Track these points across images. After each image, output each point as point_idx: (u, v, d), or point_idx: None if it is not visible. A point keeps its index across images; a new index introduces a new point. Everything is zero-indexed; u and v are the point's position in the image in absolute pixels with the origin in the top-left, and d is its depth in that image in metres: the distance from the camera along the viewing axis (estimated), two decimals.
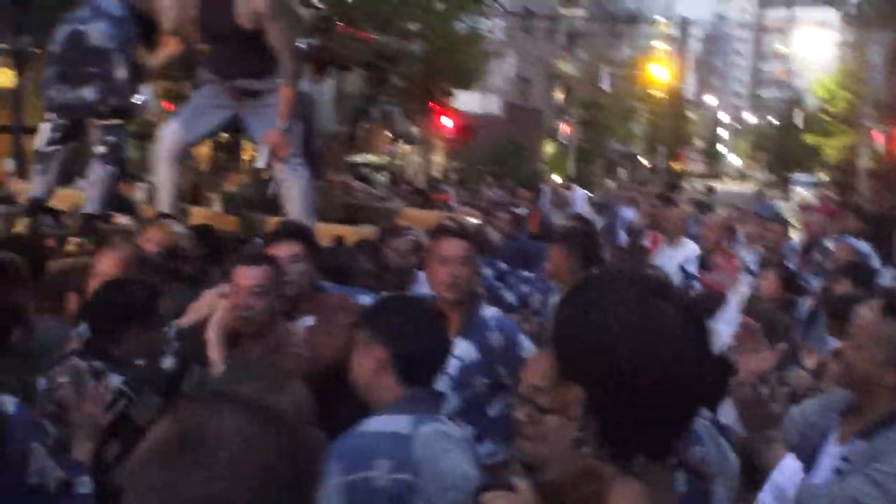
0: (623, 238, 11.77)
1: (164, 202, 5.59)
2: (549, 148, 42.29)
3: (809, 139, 50.55)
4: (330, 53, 6.91)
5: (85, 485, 2.61)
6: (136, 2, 5.35)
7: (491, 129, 30.99)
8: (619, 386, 1.36)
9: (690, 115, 78.51)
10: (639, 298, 1.40)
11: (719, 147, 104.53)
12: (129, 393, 2.95)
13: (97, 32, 5.17)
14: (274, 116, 5.36)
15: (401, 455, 2.36)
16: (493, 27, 30.35)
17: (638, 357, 1.36)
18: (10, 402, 2.43)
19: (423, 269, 4.37)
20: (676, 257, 7.66)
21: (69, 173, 5.85)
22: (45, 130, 5.34)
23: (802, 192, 42.12)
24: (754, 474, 2.47)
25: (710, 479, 1.69)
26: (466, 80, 26.04)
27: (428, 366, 2.65)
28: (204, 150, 7.68)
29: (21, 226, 5.19)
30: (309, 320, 3.80)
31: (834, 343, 4.08)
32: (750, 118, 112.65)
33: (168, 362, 3.30)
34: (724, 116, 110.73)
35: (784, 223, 9.21)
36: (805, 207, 17.32)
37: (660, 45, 61.10)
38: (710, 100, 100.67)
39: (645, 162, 60.81)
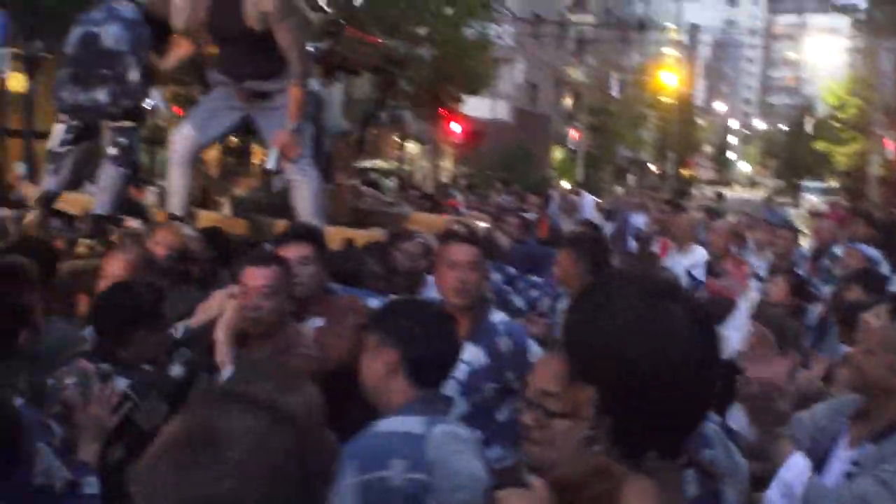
0: (632, 244, 11.77)
1: (176, 205, 5.61)
2: (557, 154, 42.30)
3: (819, 146, 50.50)
4: (338, 57, 6.92)
5: (91, 485, 2.62)
6: (150, 5, 5.37)
7: (500, 135, 31.01)
8: (629, 386, 1.38)
9: (700, 121, 78.47)
10: (647, 300, 1.42)
11: (729, 154, 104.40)
12: (133, 397, 2.95)
13: (111, 35, 5.19)
14: (284, 117, 5.38)
15: (415, 455, 2.36)
16: (502, 33, 30.36)
17: (646, 358, 1.37)
18: (15, 403, 2.43)
19: (432, 273, 4.37)
20: (685, 263, 7.65)
21: (80, 177, 5.88)
22: (58, 131, 5.37)
23: (812, 199, 41.98)
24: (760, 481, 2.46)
25: (719, 478, 1.70)
26: (475, 85, 26.06)
27: (438, 368, 2.65)
28: (213, 155, 7.71)
29: (31, 217, 5.21)
30: (318, 322, 3.80)
31: (846, 350, 4.06)
32: (760, 125, 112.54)
33: (176, 370, 3.29)
34: (733, 123, 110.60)
35: (794, 230, 9.19)
36: (815, 214, 17.27)
37: (669, 52, 61.07)
38: (719, 106, 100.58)
39: (654, 168, 60.77)
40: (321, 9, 6.55)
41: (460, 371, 3.42)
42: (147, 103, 5.54)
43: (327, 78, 6.89)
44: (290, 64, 5.34)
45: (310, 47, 5.80)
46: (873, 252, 7.93)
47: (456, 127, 26.82)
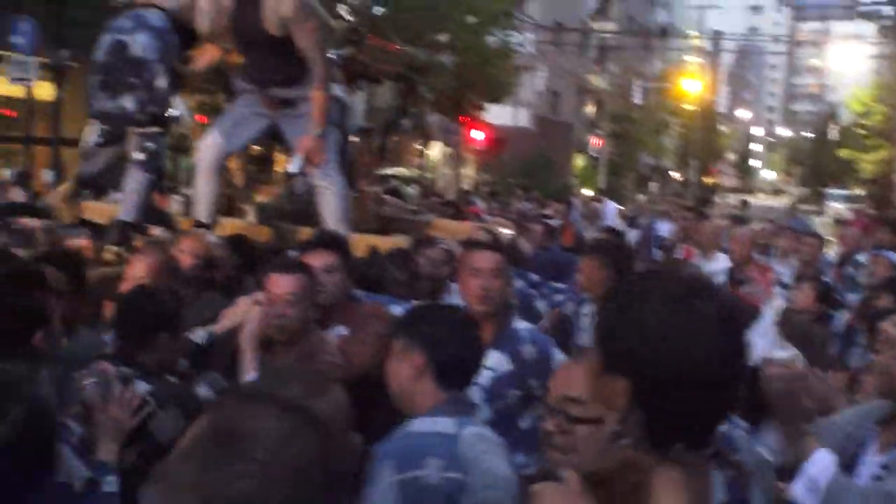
0: (657, 252, 11.73)
1: (203, 212, 5.64)
2: (579, 161, 42.24)
3: (844, 153, 50.16)
4: (360, 65, 6.94)
5: (111, 484, 2.64)
6: (177, 12, 5.41)
7: (521, 143, 31.02)
8: (659, 379, 1.43)
9: (723, 128, 78.13)
10: (675, 297, 1.47)
11: (752, 161, 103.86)
12: (152, 404, 2.96)
13: (139, 44, 5.24)
14: (309, 123, 5.39)
15: (449, 454, 2.39)
16: (523, 41, 30.37)
17: (674, 352, 1.43)
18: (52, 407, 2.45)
19: (455, 280, 4.37)
20: (708, 270, 7.64)
21: (106, 184, 5.93)
22: (90, 135, 5.44)
23: (837, 207, 41.67)
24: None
25: (746, 476, 1.70)
26: (497, 93, 26.09)
27: (463, 372, 2.67)
28: (236, 163, 7.75)
29: (64, 188, 5.26)
30: (341, 330, 3.81)
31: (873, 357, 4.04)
32: (784, 132, 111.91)
33: (203, 391, 3.28)
34: (757, 130, 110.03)
35: (820, 237, 9.13)
36: (840, 221, 17.16)
37: (692, 59, 60.84)
38: (742, 114, 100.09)
39: (676, 176, 60.54)
40: (343, 17, 6.58)
41: (484, 377, 3.42)
42: (172, 112, 5.58)
43: (349, 86, 6.91)
44: (312, 67, 5.35)
45: (332, 55, 5.82)
46: None
47: (478, 134, 26.85)
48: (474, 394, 3.15)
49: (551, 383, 2.13)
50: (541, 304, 5.54)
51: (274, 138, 6.13)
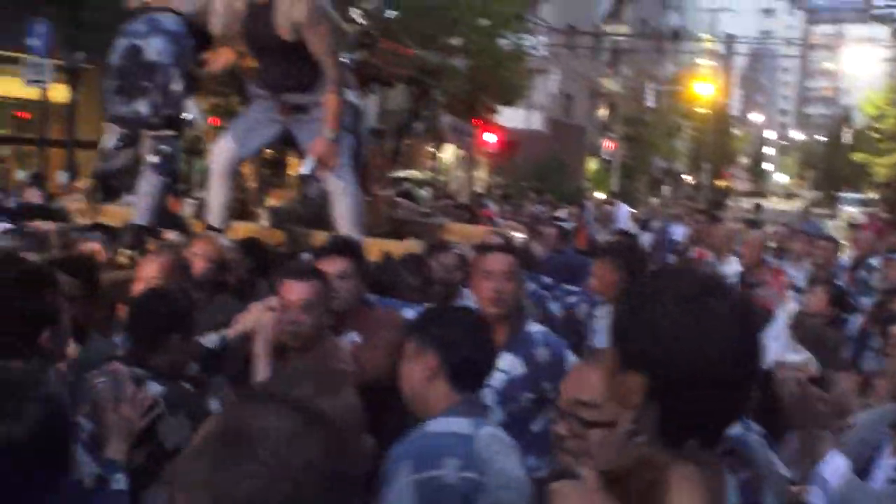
0: (670, 257, 11.72)
1: (215, 217, 5.65)
2: (592, 164, 42.19)
3: (858, 157, 49.95)
4: (373, 69, 6.94)
5: (119, 481, 2.66)
6: (193, 16, 5.42)
7: (534, 146, 31.01)
8: (673, 375, 1.45)
9: (736, 132, 77.88)
10: (688, 296, 1.48)
11: (765, 165, 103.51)
12: (163, 407, 2.96)
13: (153, 48, 5.25)
14: (322, 127, 5.38)
15: (466, 454, 2.39)
16: (536, 44, 30.37)
17: (685, 352, 1.44)
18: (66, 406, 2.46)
19: (468, 286, 4.37)
20: (721, 273, 7.62)
21: (121, 186, 5.95)
22: (109, 139, 5.48)
23: (850, 211, 41.48)
24: None
25: (760, 479, 1.71)
26: (510, 96, 26.09)
27: (477, 373, 2.67)
28: (250, 166, 7.78)
29: (85, 186, 5.27)
30: (354, 336, 3.80)
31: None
32: (797, 136, 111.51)
33: (215, 405, 3.28)
34: (770, 134, 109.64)
35: (834, 240, 9.11)
36: (853, 225, 17.09)
37: (705, 62, 60.69)
38: (755, 117, 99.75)
39: (689, 179, 60.40)
40: (355, 21, 6.58)
41: (497, 379, 3.43)
42: (185, 115, 5.60)
43: (361, 90, 6.91)
44: (324, 71, 5.35)
45: (344, 59, 5.83)
46: None
47: (490, 137, 26.85)
48: (487, 396, 3.15)
49: (563, 386, 2.13)
50: (554, 307, 5.53)
51: (287, 144, 6.13)
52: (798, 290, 7.00)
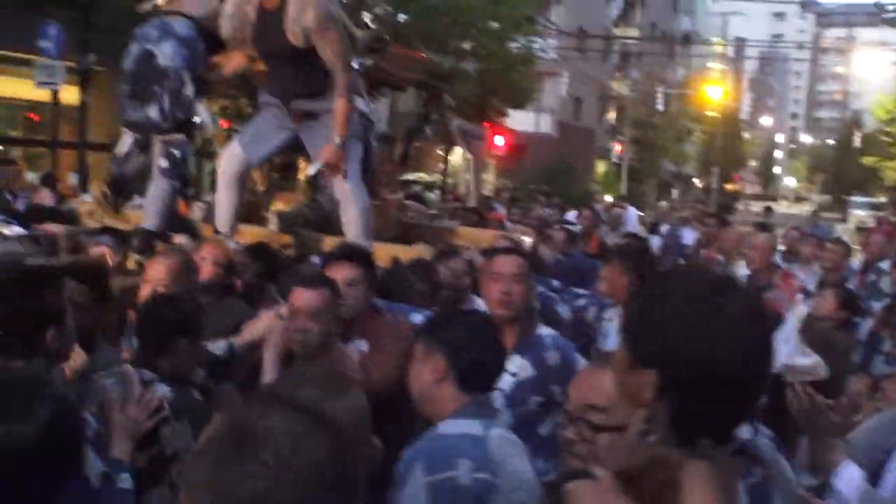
0: (680, 260, 11.69)
1: (223, 223, 5.64)
2: (601, 167, 42.14)
3: (868, 161, 49.79)
4: (383, 73, 6.94)
5: (125, 480, 2.66)
6: (204, 20, 5.43)
7: (543, 149, 31.00)
8: (684, 372, 1.46)
9: (745, 135, 77.71)
10: (698, 296, 1.50)
11: (775, 168, 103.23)
12: (168, 411, 2.96)
13: (165, 53, 5.27)
14: (331, 134, 5.36)
15: (479, 455, 2.40)
16: (546, 47, 30.34)
17: (694, 352, 1.46)
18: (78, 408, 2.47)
19: (476, 292, 4.36)
20: None
21: (133, 190, 5.97)
22: (125, 144, 5.50)
23: (860, 214, 41.32)
24: None
25: (769, 480, 1.71)
26: (520, 99, 26.08)
27: (485, 376, 2.67)
28: (259, 171, 7.80)
29: (97, 192, 5.29)
30: (362, 345, 3.80)
31: None
32: (807, 139, 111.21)
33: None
34: (780, 137, 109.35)
35: (844, 244, 9.08)
36: (863, 229, 17.04)
37: (715, 66, 60.58)
38: (765, 121, 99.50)
39: (698, 182, 60.29)
40: (366, 25, 6.58)
41: (506, 382, 3.42)
42: (196, 119, 5.61)
43: (372, 93, 6.90)
44: (334, 77, 5.32)
45: (355, 63, 5.82)
46: None
47: (500, 140, 26.84)
48: (496, 399, 3.15)
49: (571, 390, 2.13)
50: (563, 309, 5.53)
51: (297, 150, 6.12)
52: (807, 293, 6.98)
